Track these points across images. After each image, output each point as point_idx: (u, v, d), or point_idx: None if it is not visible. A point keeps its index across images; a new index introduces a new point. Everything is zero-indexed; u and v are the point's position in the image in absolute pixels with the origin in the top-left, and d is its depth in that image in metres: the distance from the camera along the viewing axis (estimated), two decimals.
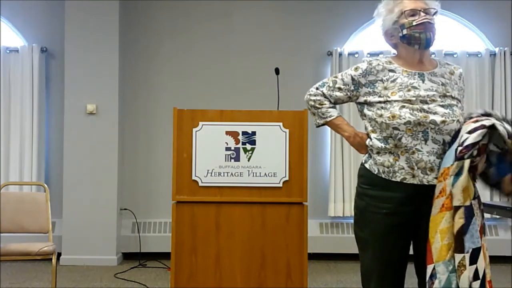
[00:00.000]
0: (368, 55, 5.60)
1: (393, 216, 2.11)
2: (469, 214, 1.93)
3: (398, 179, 2.09)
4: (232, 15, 5.74)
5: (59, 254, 5.06)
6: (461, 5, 5.54)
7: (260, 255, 2.76)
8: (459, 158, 1.94)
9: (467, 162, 1.93)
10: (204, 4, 5.71)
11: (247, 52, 5.70)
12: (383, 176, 2.12)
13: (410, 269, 2.21)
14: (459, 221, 1.92)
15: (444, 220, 1.95)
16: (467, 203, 1.93)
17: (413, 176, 2.07)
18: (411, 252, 2.20)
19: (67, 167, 5.32)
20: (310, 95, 2.31)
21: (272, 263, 2.76)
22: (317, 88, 2.30)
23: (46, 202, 3.96)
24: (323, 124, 2.31)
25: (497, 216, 3.81)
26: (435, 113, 2.06)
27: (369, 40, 5.71)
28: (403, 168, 2.08)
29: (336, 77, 2.28)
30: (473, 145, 1.94)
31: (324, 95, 2.28)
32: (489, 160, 2.03)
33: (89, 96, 5.34)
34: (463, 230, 1.91)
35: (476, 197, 2.01)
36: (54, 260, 3.67)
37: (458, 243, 1.92)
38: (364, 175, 2.21)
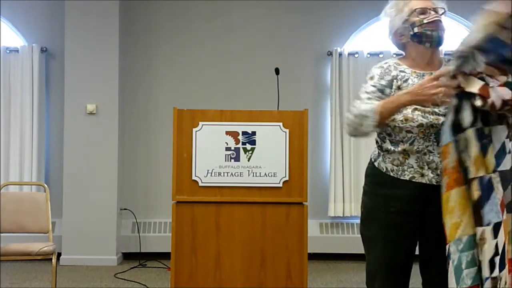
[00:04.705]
0: (368, 55, 5.60)
1: (400, 215, 2.10)
2: (484, 186, 1.87)
3: (407, 178, 2.09)
4: (232, 15, 5.74)
5: (59, 254, 5.06)
6: (461, 5, 5.53)
7: (260, 255, 2.76)
8: (461, 130, 1.91)
9: (470, 131, 1.89)
10: (204, 4, 5.71)
11: (247, 52, 5.70)
12: (391, 174, 2.12)
13: (414, 269, 2.21)
14: (476, 193, 1.87)
15: (450, 200, 1.92)
16: (481, 174, 1.88)
17: (422, 175, 2.06)
18: (416, 252, 2.20)
19: (67, 167, 5.32)
20: (348, 119, 2.09)
21: (272, 263, 2.76)
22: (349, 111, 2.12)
23: (46, 202, 3.96)
24: (378, 122, 2.03)
25: None
26: (446, 115, 2.04)
27: (369, 40, 5.71)
28: (412, 167, 2.08)
29: (359, 97, 2.15)
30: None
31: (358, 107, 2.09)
32: None
33: (89, 96, 5.34)
34: (480, 203, 1.86)
35: (498, 170, 1.93)
36: (54, 260, 3.67)
37: (477, 216, 1.87)
38: (372, 173, 2.20)
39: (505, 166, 1.95)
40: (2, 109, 5.48)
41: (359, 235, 2.28)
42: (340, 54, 5.61)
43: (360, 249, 2.31)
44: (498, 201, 1.89)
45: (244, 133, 2.79)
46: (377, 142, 2.20)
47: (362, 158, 5.42)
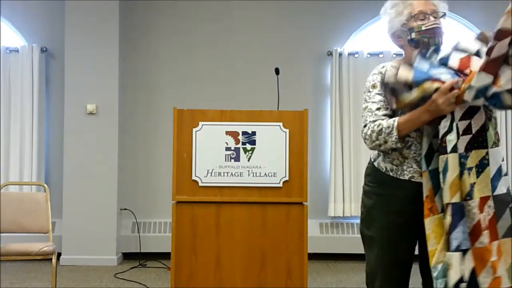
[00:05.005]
0: (368, 55, 5.60)
1: (401, 214, 2.10)
2: (456, 212, 1.88)
3: (406, 177, 2.09)
4: (232, 16, 5.74)
5: (59, 254, 5.06)
6: (462, 6, 5.54)
7: (260, 255, 2.76)
8: (442, 151, 1.92)
9: (452, 156, 1.90)
10: (204, 5, 5.71)
11: (247, 52, 5.70)
12: (391, 174, 2.12)
13: (414, 269, 2.21)
14: (448, 218, 1.89)
15: (426, 228, 1.96)
16: (454, 200, 1.89)
17: (421, 175, 2.06)
18: (416, 252, 2.21)
19: (67, 167, 5.32)
20: (366, 135, 2.10)
21: (272, 263, 2.76)
22: (365, 126, 2.12)
23: (46, 202, 3.96)
24: (399, 138, 2.03)
25: None
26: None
27: (369, 40, 5.71)
28: (412, 167, 2.08)
29: (366, 107, 2.14)
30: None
31: (374, 121, 2.09)
32: None
33: (89, 96, 5.34)
34: (450, 228, 1.88)
35: (493, 195, 1.91)
36: (54, 260, 3.67)
37: (447, 241, 1.90)
38: (372, 173, 2.21)
39: (501, 189, 1.93)
40: (2, 109, 5.49)
41: (359, 235, 2.29)
42: (340, 54, 5.61)
43: (360, 249, 2.32)
44: (467, 229, 1.88)
45: (244, 133, 2.79)
46: None
47: (362, 158, 5.42)
